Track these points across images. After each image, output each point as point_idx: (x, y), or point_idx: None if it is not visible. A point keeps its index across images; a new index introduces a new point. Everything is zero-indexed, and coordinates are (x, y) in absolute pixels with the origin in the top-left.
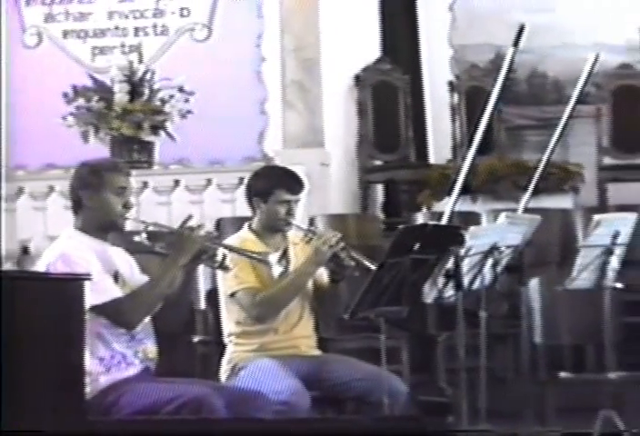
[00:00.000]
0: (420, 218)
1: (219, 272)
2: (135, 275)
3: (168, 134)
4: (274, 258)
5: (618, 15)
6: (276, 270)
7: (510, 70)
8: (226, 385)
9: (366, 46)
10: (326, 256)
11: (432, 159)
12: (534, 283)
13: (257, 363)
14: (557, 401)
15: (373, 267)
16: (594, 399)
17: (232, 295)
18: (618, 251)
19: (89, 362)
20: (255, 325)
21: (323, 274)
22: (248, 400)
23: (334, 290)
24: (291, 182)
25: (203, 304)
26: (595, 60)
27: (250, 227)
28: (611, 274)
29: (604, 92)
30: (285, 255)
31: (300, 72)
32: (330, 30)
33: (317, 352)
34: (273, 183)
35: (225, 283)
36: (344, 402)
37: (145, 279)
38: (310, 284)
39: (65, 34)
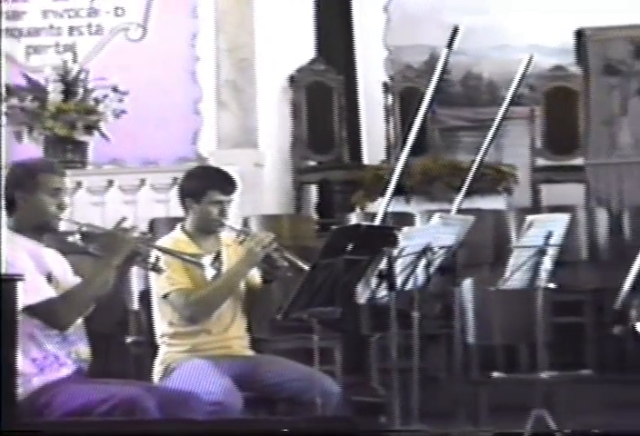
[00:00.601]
0: (353, 219)
1: (152, 274)
2: (68, 276)
3: (102, 134)
4: (207, 260)
5: (553, 18)
6: (210, 272)
7: (444, 71)
8: (159, 386)
9: (301, 47)
10: (259, 257)
11: (366, 160)
12: (467, 284)
13: (190, 364)
14: (490, 401)
15: (306, 268)
16: (526, 398)
17: (165, 296)
18: (551, 251)
19: (22, 363)
20: (187, 326)
21: (255, 275)
22: (181, 400)
23: (266, 290)
24: (224, 182)
25: (136, 305)
26: (529, 62)
27: (183, 228)
28: (544, 275)
29: (537, 93)
30: (218, 258)
31: (234, 72)
32: (264, 30)
33: (250, 353)
34: (206, 184)
35: (158, 285)
36: (276, 403)
37: (78, 280)
38: (242, 285)
39: None
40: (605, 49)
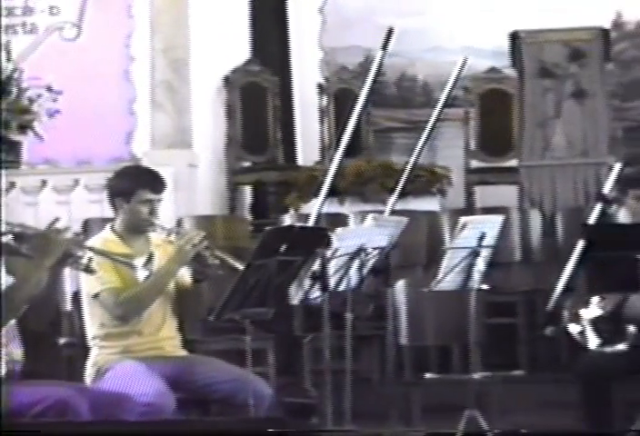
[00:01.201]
0: (287, 220)
1: (82, 275)
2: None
3: (36, 134)
4: (139, 262)
5: (488, 20)
6: (142, 273)
7: (379, 73)
8: (91, 387)
9: (236, 47)
10: (190, 255)
11: (300, 161)
12: (400, 285)
13: (122, 366)
14: (422, 402)
15: (237, 265)
16: (458, 399)
17: (95, 296)
18: (484, 253)
19: None
20: (118, 327)
21: (185, 275)
22: (113, 402)
23: (196, 290)
24: (153, 181)
25: (69, 306)
26: (463, 64)
27: (112, 228)
28: (477, 276)
29: (472, 95)
30: (150, 259)
31: (169, 72)
32: (200, 31)
33: (183, 353)
34: (135, 183)
35: (88, 285)
36: (209, 404)
37: (10, 281)
38: (172, 286)
39: None
40: (539, 52)
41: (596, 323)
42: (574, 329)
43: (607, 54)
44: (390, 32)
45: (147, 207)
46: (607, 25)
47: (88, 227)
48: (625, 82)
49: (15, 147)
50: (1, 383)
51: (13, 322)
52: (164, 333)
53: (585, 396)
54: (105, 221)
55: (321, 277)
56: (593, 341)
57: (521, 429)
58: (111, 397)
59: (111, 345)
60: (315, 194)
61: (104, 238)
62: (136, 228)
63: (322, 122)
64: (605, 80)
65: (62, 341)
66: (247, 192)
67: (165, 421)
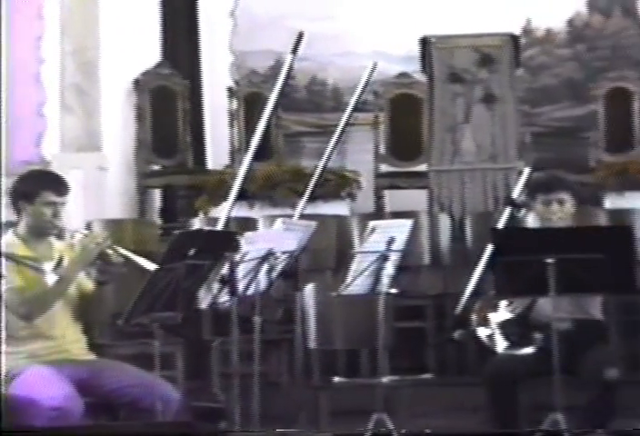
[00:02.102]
0: (197, 223)
1: None
2: None
3: None
4: (48, 266)
5: (399, 25)
6: (51, 278)
7: (289, 77)
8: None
9: (146, 50)
10: (94, 253)
11: (210, 164)
12: (309, 289)
13: (30, 370)
14: (331, 406)
15: (142, 263)
16: (367, 403)
17: None
18: (393, 257)
19: None
20: (25, 330)
21: (86, 279)
22: (22, 407)
23: (100, 293)
24: (56, 183)
25: None
26: (373, 68)
27: (15, 232)
28: (386, 280)
29: (382, 100)
30: (60, 263)
31: (79, 75)
32: (110, 33)
33: (91, 357)
34: (39, 185)
35: None
36: (117, 408)
37: None
38: (74, 289)
39: None
40: (449, 57)
41: (504, 327)
42: (482, 332)
43: (517, 59)
44: (300, 36)
45: (51, 210)
46: (517, 32)
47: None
48: (535, 87)
49: None
50: (1, 383)
51: None
52: (69, 337)
53: (493, 399)
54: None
55: (230, 281)
56: (501, 345)
57: (428, 431)
58: (19, 402)
59: (17, 350)
60: (225, 198)
61: (6, 242)
62: (40, 231)
63: (232, 125)
64: (515, 85)
65: None
66: (157, 195)
67: (73, 427)
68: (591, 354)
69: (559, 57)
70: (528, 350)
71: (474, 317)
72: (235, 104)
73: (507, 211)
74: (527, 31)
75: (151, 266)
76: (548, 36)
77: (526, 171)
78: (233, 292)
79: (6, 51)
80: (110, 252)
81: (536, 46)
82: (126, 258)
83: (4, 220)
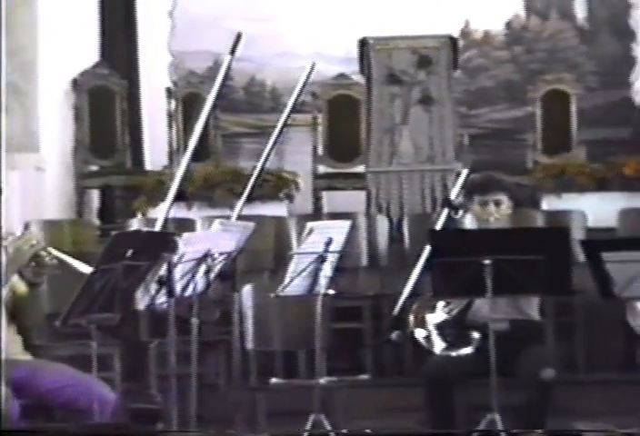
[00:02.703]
0: (135, 224)
1: None
2: None
3: None
4: None
5: (337, 27)
6: None
7: (227, 77)
8: None
9: (84, 50)
10: (27, 255)
11: (148, 165)
12: (246, 290)
13: None
14: (268, 407)
15: (76, 265)
16: (304, 404)
17: None
18: (331, 258)
19: None
20: None
21: (19, 282)
22: None
23: (33, 295)
24: None
25: None
26: (311, 69)
27: None
28: (323, 281)
29: (320, 101)
30: None
31: (16, 74)
32: (48, 33)
33: (27, 357)
34: None
35: None
36: (52, 410)
37: None
38: (8, 291)
39: None
40: (388, 58)
41: (441, 328)
42: (419, 333)
43: (455, 61)
44: (238, 37)
45: None
46: (455, 34)
47: None
48: (472, 89)
49: None
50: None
51: None
52: (4, 338)
53: (430, 399)
54: None
55: (167, 282)
56: (438, 346)
57: (366, 431)
58: None
59: None
60: (163, 199)
61: None
62: None
63: (170, 126)
64: (453, 87)
65: None
66: (95, 196)
67: (8, 429)
68: (527, 355)
69: (497, 59)
70: (465, 350)
71: (411, 318)
72: (173, 105)
73: (445, 212)
74: (465, 33)
75: (85, 269)
76: (486, 38)
77: (464, 172)
78: (170, 294)
79: None
80: (44, 253)
81: (474, 48)
82: (60, 260)
83: (3, 223)
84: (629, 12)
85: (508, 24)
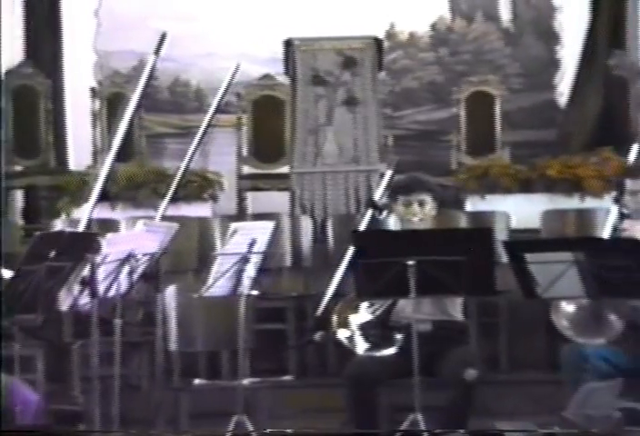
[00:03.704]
0: (58, 225)
1: None
2: None
3: None
4: None
5: (263, 27)
6: None
7: (151, 77)
8: None
9: (9, 49)
10: None
11: (72, 165)
12: (170, 291)
13: None
14: (191, 408)
15: None
16: (227, 405)
17: None
18: (255, 258)
19: None
20: None
21: None
22: None
23: None
24: None
25: None
26: (236, 70)
27: None
28: (247, 282)
29: (245, 102)
30: None
31: None
32: None
33: None
34: None
35: None
36: None
37: None
38: None
39: None
40: (313, 59)
41: (365, 328)
42: (342, 334)
43: (380, 62)
44: (163, 37)
45: None
46: (381, 35)
47: None
48: (397, 90)
49: None
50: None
51: None
52: None
53: (353, 400)
54: None
55: (90, 283)
56: (361, 346)
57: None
58: None
59: None
60: (87, 199)
61: None
62: None
63: (94, 126)
64: (377, 88)
65: None
66: (19, 196)
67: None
68: (451, 355)
69: (422, 61)
70: (388, 351)
71: (334, 319)
72: (97, 105)
73: (369, 213)
74: (391, 34)
75: (5, 273)
76: (411, 40)
77: (388, 173)
78: (93, 294)
79: None
80: None
81: (399, 50)
82: None
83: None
84: (553, 15)
85: (433, 26)
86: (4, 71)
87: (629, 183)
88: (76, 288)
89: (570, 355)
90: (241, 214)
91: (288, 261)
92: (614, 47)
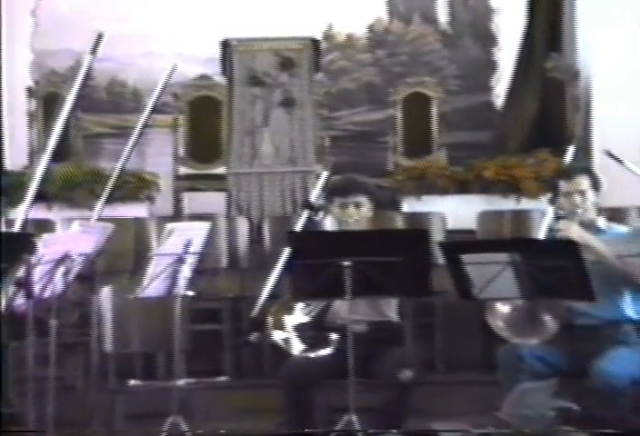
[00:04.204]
0: None
1: None
2: None
3: None
4: None
5: (201, 28)
6: None
7: (88, 77)
8: None
9: None
10: None
11: (8, 165)
12: (106, 292)
13: None
14: (127, 409)
15: None
16: (163, 406)
17: None
18: (190, 259)
19: None
20: None
21: None
22: None
23: None
24: None
25: None
26: (172, 70)
27: None
28: (183, 283)
29: (181, 102)
30: None
31: None
32: None
33: None
34: None
35: None
36: None
37: None
38: None
39: None
40: (250, 60)
41: (300, 330)
42: (278, 335)
43: (317, 64)
44: (100, 36)
45: None
46: (318, 36)
47: None
48: (334, 92)
49: None
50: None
51: None
52: None
53: (288, 401)
54: None
55: (25, 284)
56: (297, 347)
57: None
58: None
59: None
60: (22, 200)
61: None
62: None
63: (30, 126)
64: (314, 89)
65: None
66: None
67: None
68: (386, 356)
69: (359, 62)
70: (324, 352)
71: (270, 320)
72: (33, 104)
73: (305, 214)
74: (328, 35)
75: None
76: (349, 41)
77: (324, 174)
78: (28, 295)
79: None
80: None
81: (337, 51)
82: None
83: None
84: (491, 17)
85: (371, 28)
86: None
87: (563, 185)
88: (11, 289)
89: (506, 355)
90: (177, 215)
91: (224, 261)
92: (550, 50)
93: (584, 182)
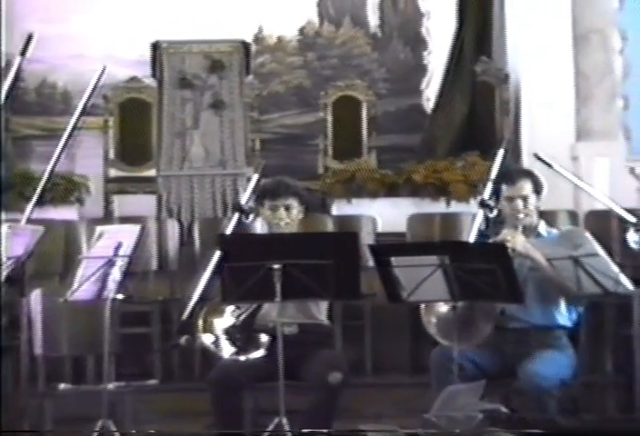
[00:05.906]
0: None
1: None
2: None
3: None
4: None
5: (131, 29)
6: None
7: (17, 79)
8: None
9: None
10: None
11: None
12: (35, 295)
13: None
14: (56, 413)
15: None
16: (93, 409)
17: None
18: (120, 262)
19: None
20: None
21: None
22: None
23: None
24: None
25: None
26: (102, 72)
27: None
28: (112, 285)
29: (111, 104)
30: None
31: None
32: None
33: None
34: None
35: None
36: None
37: None
38: None
39: None
40: (180, 62)
41: (230, 332)
42: (207, 338)
43: (247, 66)
44: (29, 38)
45: None
46: (249, 39)
47: None
48: (264, 94)
49: None
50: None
51: None
52: None
53: (217, 404)
54: None
55: None
56: (226, 350)
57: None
58: None
59: None
60: None
61: None
62: None
63: None
64: (244, 92)
65: None
66: None
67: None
68: (316, 358)
69: (289, 65)
70: (254, 354)
71: (199, 323)
72: None
73: (235, 217)
74: (259, 38)
75: None
76: (279, 44)
77: (255, 177)
78: None
79: None
80: None
81: (267, 54)
82: None
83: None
84: (421, 21)
85: (301, 31)
86: None
87: (505, 190)
88: None
89: (438, 357)
90: (107, 218)
91: (154, 264)
92: (480, 53)
93: (526, 186)
